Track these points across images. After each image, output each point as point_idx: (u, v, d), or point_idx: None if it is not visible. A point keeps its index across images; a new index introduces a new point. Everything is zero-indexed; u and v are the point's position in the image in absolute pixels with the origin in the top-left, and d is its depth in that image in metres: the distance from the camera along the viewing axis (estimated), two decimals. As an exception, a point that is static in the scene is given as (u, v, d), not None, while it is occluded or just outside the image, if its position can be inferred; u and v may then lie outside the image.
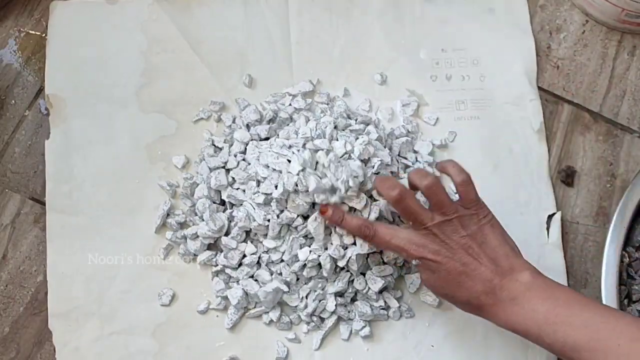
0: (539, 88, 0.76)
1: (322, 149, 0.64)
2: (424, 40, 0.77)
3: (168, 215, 0.69)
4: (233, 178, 0.68)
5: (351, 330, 0.68)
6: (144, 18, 0.75)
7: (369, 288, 0.67)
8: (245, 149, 0.69)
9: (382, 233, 0.61)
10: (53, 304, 0.67)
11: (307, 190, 0.62)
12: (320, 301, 0.66)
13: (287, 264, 0.66)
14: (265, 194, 0.65)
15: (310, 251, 0.65)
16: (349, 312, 0.68)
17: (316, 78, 0.75)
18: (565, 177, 0.74)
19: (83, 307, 0.67)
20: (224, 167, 0.69)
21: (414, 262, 0.60)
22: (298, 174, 0.62)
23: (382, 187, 0.62)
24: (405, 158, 0.71)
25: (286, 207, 0.65)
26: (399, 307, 0.68)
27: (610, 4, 0.75)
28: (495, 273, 0.58)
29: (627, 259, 0.68)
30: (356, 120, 0.71)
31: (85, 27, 0.75)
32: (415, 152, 0.73)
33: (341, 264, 0.64)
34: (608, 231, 0.67)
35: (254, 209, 0.65)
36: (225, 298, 0.67)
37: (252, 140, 0.69)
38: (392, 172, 0.69)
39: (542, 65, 0.77)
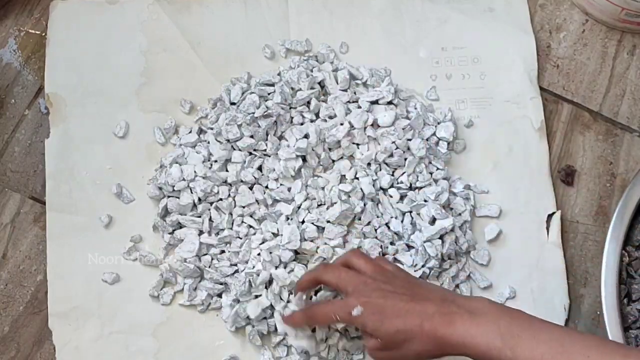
0: (539, 87, 0.76)
1: None
2: (424, 39, 0.77)
3: (166, 215, 0.69)
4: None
5: None
6: (144, 18, 0.75)
7: None
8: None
9: (320, 309, 0.60)
10: (53, 303, 0.67)
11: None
12: None
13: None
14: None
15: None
16: None
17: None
18: (565, 176, 0.74)
19: (83, 306, 0.67)
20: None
21: (354, 311, 0.56)
22: None
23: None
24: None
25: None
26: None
27: (610, 3, 0.75)
28: (447, 295, 0.56)
29: (627, 258, 0.68)
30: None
31: (85, 27, 0.75)
32: (439, 138, 0.72)
33: None
34: (608, 230, 0.67)
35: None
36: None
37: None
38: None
39: (542, 64, 0.77)
